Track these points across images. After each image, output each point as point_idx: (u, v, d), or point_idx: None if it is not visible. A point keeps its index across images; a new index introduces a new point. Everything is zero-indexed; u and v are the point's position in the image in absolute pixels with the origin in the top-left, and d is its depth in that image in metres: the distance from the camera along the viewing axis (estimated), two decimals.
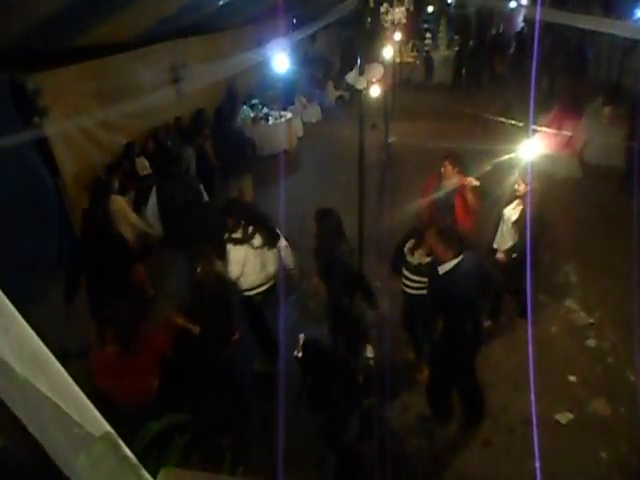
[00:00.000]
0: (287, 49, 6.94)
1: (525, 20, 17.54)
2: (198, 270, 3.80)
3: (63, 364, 0.73)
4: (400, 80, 14.89)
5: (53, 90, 5.76)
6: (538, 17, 4.32)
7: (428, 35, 22.49)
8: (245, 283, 4.28)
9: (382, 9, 12.49)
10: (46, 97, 5.58)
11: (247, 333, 4.50)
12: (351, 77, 4.70)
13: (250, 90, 11.51)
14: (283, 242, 4.43)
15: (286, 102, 11.28)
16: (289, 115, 10.87)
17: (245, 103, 10.85)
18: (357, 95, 4.81)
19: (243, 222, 4.21)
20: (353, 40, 14.04)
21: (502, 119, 9.91)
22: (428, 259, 3.91)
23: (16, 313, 0.70)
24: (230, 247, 4.20)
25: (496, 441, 3.90)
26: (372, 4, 10.53)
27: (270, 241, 4.28)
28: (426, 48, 19.87)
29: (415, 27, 20.46)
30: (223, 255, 4.20)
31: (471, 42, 17.08)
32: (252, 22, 10.86)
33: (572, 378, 4.44)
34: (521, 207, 4.54)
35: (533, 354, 3.63)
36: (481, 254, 4.30)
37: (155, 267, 5.59)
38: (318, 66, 14.92)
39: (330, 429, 3.40)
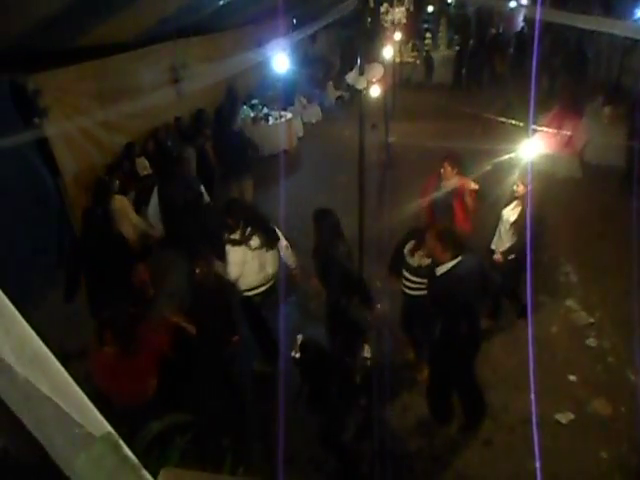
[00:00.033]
0: (287, 49, 6.95)
1: (525, 20, 17.55)
2: (197, 271, 3.81)
3: (63, 364, 0.73)
4: (400, 80, 14.88)
5: (53, 90, 5.76)
6: (538, 17, 4.32)
7: (428, 35, 22.49)
8: (244, 284, 4.27)
9: (382, 9, 12.47)
10: (46, 97, 5.58)
11: (247, 333, 4.50)
12: (351, 77, 4.71)
13: (250, 90, 11.51)
14: (284, 242, 4.43)
15: (286, 102, 11.27)
16: (289, 115, 10.87)
17: (245, 103, 10.85)
18: (357, 95, 4.81)
19: (242, 223, 4.20)
20: (353, 40, 14.05)
21: (502, 119, 9.92)
22: (428, 261, 3.89)
23: (16, 313, 0.70)
24: (229, 248, 4.20)
25: (496, 441, 3.90)
26: (372, 4, 10.52)
27: (268, 243, 4.26)
28: (426, 48, 19.88)
29: (415, 27, 20.45)
30: (222, 256, 4.20)
31: (471, 42, 17.06)
32: (252, 22, 10.86)
33: (572, 378, 4.44)
34: (520, 208, 4.53)
35: (533, 354, 3.64)
36: (480, 255, 4.30)
37: (155, 267, 5.60)
38: (318, 66, 14.92)
39: (328, 429, 3.40)
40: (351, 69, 4.79)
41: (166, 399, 3.41)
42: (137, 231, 5.63)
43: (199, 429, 2.81)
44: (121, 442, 0.74)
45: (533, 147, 4.49)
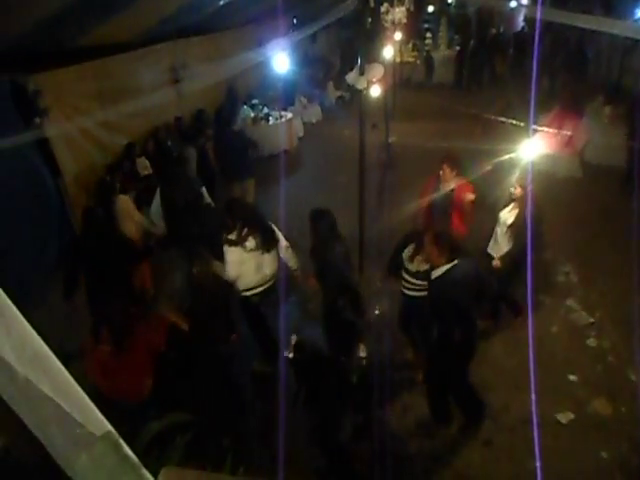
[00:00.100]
0: (287, 49, 6.95)
1: (525, 20, 17.55)
2: (195, 271, 3.81)
3: (64, 364, 0.73)
4: (400, 80, 14.88)
5: (53, 91, 5.76)
6: (538, 17, 4.31)
7: (428, 35, 22.47)
8: (242, 284, 4.27)
9: (382, 9, 12.45)
10: (46, 98, 5.59)
11: (246, 333, 4.50)
12: (351, 77, 4.71)
13: (250, 90, 11.51)
14: (284, 243, 4.42)
15: (286, 102, 11.27)
16: (289, 115, 10.87)
17: (245, 103, 10.84)
18: (357, 95, 4.82)
19: (239, 223, 4.19)
20: (353, 40, 14.04)
21: (502, 119, 9.91)
22: (427, 266, 3.85)
23: (17, 313, 0.70)
24: (226, 248, 4.20)
25: (497, 441, 3.89)
26: (372, 4, 10.49)
27: (265, 245, 4.23)
28: (426, 48, 19.85)
29: (415, 27, 20.43)
30: (221, 256, 4.19)
31: (471, 42, 17.05)
32: (252, 22, 10.87)
33: (573, 378, 4.44)
34: (517, 210, 4.50)
35: (533, 354, 3.63)
36: (476, 259, 4.29)
37: (155, 267, 5.60)
38: (318, 66, 14.92)
39: (324, 429, 3.40)
40: (351, 69, 4.79)
41: (165, 398, 3.41)
42: (140, 230, 5.65)
43: (199, 429, 2.81)
44: (122, 441, 0.74)
45: (533, 147, 4.48)
